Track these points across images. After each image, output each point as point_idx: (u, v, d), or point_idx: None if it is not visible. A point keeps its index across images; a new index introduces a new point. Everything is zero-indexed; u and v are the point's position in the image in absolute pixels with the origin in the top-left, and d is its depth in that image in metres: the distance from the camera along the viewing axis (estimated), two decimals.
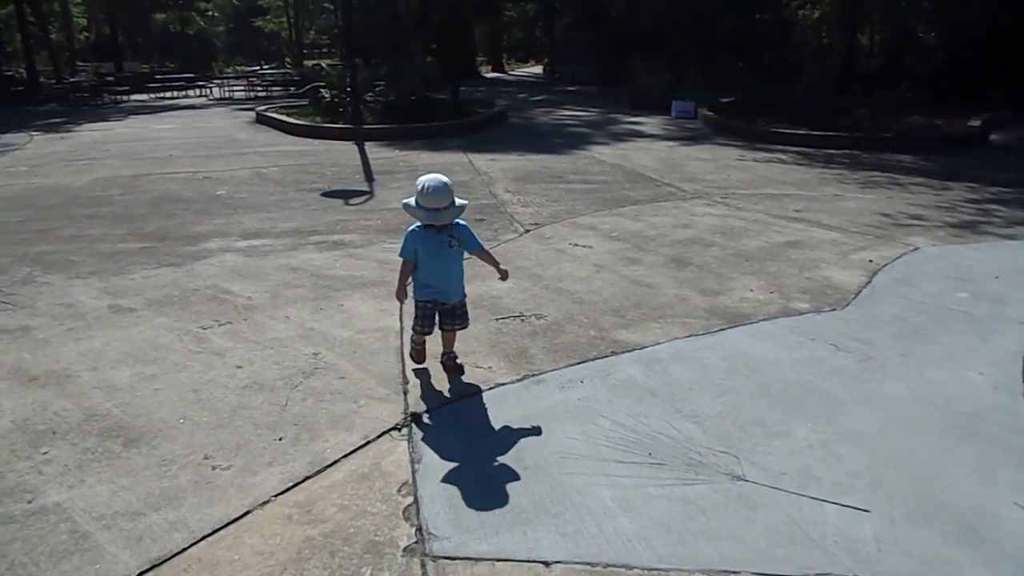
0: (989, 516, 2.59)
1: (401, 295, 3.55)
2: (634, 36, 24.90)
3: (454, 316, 3.56)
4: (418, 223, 3.37)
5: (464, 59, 31.31)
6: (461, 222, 3.44)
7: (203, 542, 2.40)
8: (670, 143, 12.89)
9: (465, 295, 3.58)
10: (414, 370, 3.72)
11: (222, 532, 2.46)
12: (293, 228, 6.68)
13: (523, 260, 5.69)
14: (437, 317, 3.53)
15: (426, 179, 3.25)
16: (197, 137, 13.59)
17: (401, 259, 3.51)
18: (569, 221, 7.04)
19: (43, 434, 3.10)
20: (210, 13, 46.37)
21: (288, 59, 39.02)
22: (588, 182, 9.09)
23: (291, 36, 41.22)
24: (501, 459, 2.90)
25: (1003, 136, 13.44)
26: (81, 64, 41.17)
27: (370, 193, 8.40)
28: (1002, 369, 3.79)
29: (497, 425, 3.16)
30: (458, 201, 3.33)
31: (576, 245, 6.16)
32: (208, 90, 26.01)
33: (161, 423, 3.17)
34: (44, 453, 2.95)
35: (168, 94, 25.78)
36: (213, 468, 2.83)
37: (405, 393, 3.47)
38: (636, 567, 2.30)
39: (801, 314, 4.57)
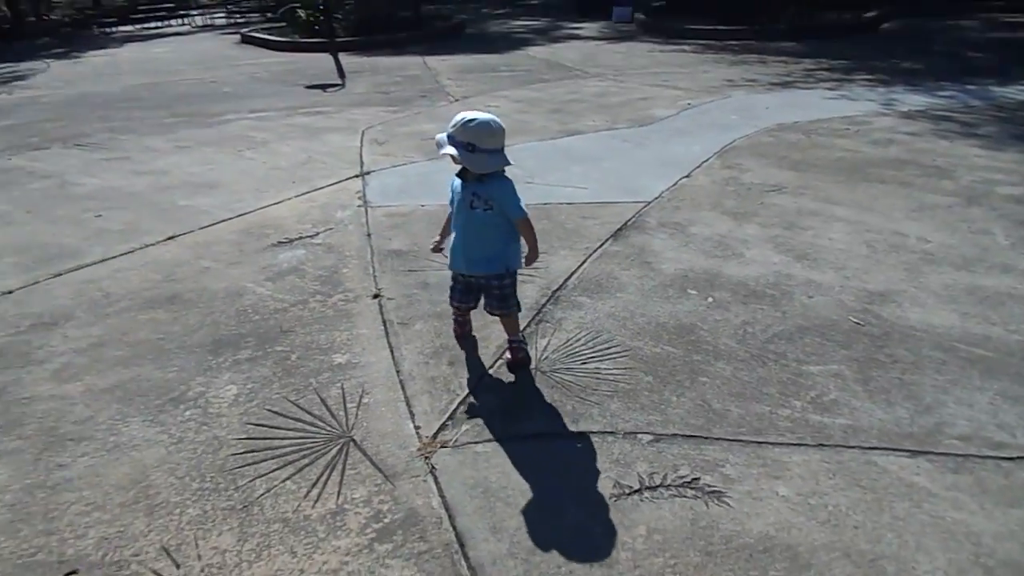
0: (643, 187, 5.27)
1: (435, 245, 3.04)
2: None
3: (488, 295, 2.89)
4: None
5: None
6: (505, 178, 2.73)
7: (260, 210, 5.08)
8: (598, 42, 15.19)
9: (505, 271, 2.81)
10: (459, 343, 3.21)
11: (269, 207, 5.13)
12: (286, 106, 9.20)
13: (446, 116, 8.24)
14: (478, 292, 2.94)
15: (468, 112, 2.63)
16: (193, 56, 15.82)
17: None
18: (490, 94, 9.55)
19: (164, 188, 5.74)
20: None
21: None
22: (515, 71, 11.53)
23: None
24: (414, 180, 5.56)
25: (895, 25, 15.73)
26: (57, 1, 42.05)
27: (342, 85, 10.85)
28: (717, 145, 6.43)
29: (412, 173, 5.81)
30: (497, 152, 2.63)
31: (488, 106, 8.70)
32: (191, 19, 27.71)
33: (226, 182, 5.82)
34: (171, 193, 5.60)
35: (152, 24, 27.50)
36: (258, 192, 5.49)
37: (361, 166, 6.11)
38: None
39: (617, 129, 7.19)
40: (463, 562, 2.03)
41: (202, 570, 2.05)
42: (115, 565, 2.08)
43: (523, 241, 2.84)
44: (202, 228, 4.78)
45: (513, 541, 2.10)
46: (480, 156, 2.61)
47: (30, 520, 2.27)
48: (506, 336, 3.04)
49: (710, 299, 3.52)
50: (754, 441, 2.48)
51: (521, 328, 3.07)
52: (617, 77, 10.48)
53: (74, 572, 2.05)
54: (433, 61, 12.89)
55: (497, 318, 3.00)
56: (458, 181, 2.78)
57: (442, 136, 2.65)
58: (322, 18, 16.01)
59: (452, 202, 2.85)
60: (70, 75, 13.75)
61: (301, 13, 17.45)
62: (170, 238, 4.62)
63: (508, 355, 3.01)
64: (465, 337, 3.21)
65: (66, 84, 12.44)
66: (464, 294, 2.96)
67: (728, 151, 6.22)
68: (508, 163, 2.69)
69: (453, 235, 2.85)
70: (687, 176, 5.52)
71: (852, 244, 4.15)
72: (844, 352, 3.03)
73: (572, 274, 3.81)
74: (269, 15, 24.34)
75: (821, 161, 5.85)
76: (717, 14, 15.83)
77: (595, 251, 4.11)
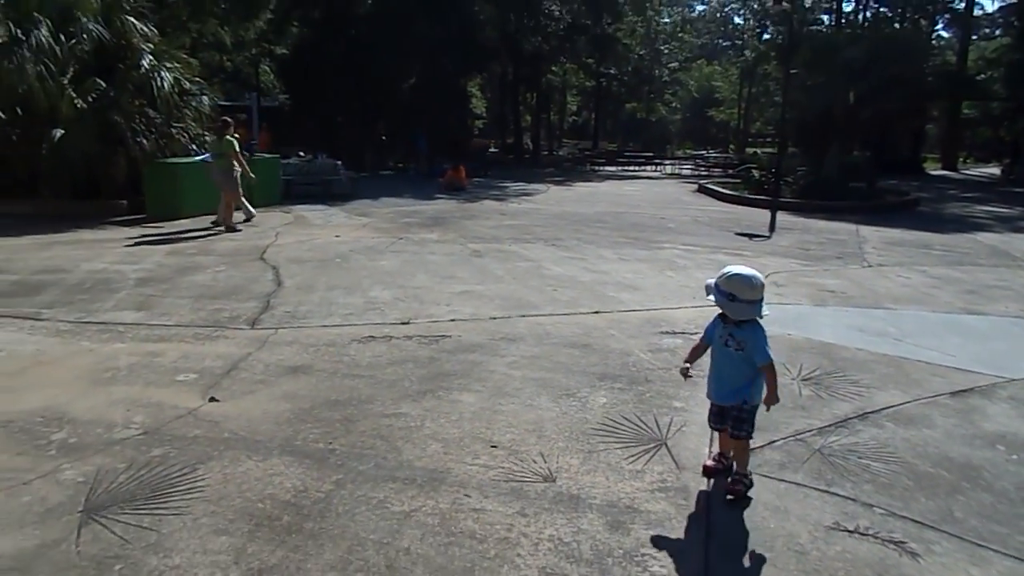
0: (1016, 367, 5.40)
1: (684, 370, 3.39)
2: None
3: (726, 418, 3.33)
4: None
5: (904, 154, 32.58)
6: (758, 326, 3.14)
7: (661, 310, 6.64)
8: None
9: (744, 403, 3.23)
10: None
11: (669, 309, 6.67)
12: (713, 245, 10.89)
13: (853, 276, 8.93)
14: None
15: (734, 267, 3.14)
16: (653, 197, 18.90)
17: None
18: (908, 267, 9.84)
19: (602, 283, 7.74)
20: (673, 104, 54.41)
21: (732, 145, 44.27)
22: (949, 251, 11.43)
23: (739, 125, 46.59)
24: (791, 316, 6.56)
25: None
26: (566, 140, 52.50)
27: (768, 237, 12.18)
28: None
29: (791, 311, 6.79)
30: (754, 303, 3.05)
31: (899, 276, 9.10)
32: (662, 167, 32.27)
33: (645, 288, 7.60)
34: (605, 287, 7.56)
35: (631, 168, 32.75)
36: (665, 299, 7.10)
37: None
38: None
39: None
40: (705, 518, 3.10)
41: (556, 468, 3.50)
42: (515, 451, 3.68)
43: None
44: (618, 311, 6.54)
45: (742, 518, 3.09)
46: (738, 305, 3.07)
47: (479, 421, 4.05)
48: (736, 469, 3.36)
49: (1015, 456, 3.85)
50: (975, 543, 2.99)
51: (748, 465, 3.38)
52: None
53: (494, 446, 3.69)
54: (866, 230, 13.40)
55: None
56: (717, 319, 3.27)
57: (710, 283, 3.16)
58: (772, 179, 17.69)
59: (705, 337, 3.37)
60: (560, 197, 17.78)
61: (755, 172, 19.49)
62: (595, 312, 6.47)
63: (731, 488, 3.29)
64: (715, 471, 3.45)
65: (556, 203, 16.25)
66: (717, 416, 3.41)
67: None
68: (762, 314, 3.10)
69: (709, 365, 3.39)
70: None
71: None
72: None
73: (891, 406, 4.44)
74: (730, 171, 27.14)
75: None
76: None
77: (925, 398, 4.62)
